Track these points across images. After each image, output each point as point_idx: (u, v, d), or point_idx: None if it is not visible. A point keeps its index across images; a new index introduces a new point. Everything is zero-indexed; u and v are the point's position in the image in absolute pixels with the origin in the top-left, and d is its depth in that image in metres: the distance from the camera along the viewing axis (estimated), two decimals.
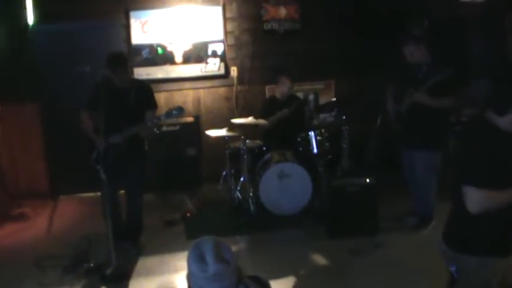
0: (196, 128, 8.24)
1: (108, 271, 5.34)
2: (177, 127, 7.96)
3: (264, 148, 7.31)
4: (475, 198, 3.04)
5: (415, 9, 8.15)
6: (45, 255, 5.91)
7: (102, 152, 5.42)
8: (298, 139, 7.13)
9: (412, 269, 5.29)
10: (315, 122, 7.75)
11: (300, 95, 8.44)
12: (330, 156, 7.14)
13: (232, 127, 7.25)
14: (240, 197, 7.13)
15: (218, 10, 8.31)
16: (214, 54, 8.35)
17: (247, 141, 7.08)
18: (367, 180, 6.20)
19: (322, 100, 8.63)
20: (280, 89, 7.52)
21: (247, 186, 7.05)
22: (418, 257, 5.53)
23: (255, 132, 7.69)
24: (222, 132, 7.13)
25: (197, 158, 8.26)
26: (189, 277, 2.50)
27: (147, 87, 6.05)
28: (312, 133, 7.05)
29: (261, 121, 7.08)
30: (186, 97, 8.49)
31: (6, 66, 7.70)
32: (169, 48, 8.23)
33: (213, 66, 8.38)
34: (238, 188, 7.21)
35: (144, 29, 8.14)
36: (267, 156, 7.13)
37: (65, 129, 7.94)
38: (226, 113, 8.50)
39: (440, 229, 6.08)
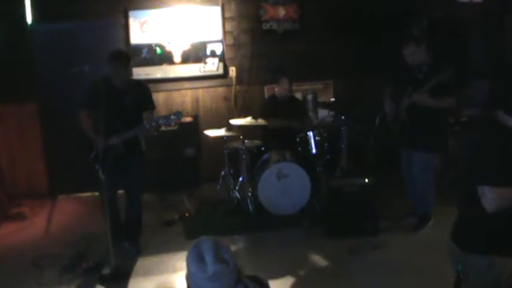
0: (195, 128, 8.25)
1: (107, 271, 5.35)
2: (176, 127, 7.95)
3: (263, 148, 7.30)
4: (491, 197, 3.05)
5: (414, 9, 8.15)
6: (44, 254, 5.89)
7: (101, 153, 5.42)
8: (297, 139, 7.13)
9: (411, 269, 5.29)
10: (314, 122, 7.76)
11: (299, 95, 8.45)
12: (328, 157, 7.14)
13: (230, 127, 7.25)
14: (239, 197, 7.14)
15: (217, 10, 8.31)
16: (213, 54, 8.35)
17: (246, 141, 7.08)
18: (366, 180, 6.21)
19: (321, 100, 8.63)
20: (279, 90, 7.51)
21: (245, 186, 7.05)
22: (417, 257, 5.53)
23: (254, 132, 7.68)
24: (221, 132, 7.13)
25: (196, 158, 8.27)
26: (188, 277, 2.50)
27: (145, 88, 6.06)
28: (310, 133, 7.05)
29: (260, 121, 7.08)
30: (184, 97, 8.49)
31: (5, 66, 7.69)
32: (168, 48, 8.23)
33: (212, 66, 8.38)
34: (237, 188, 7.21)
35: (143, 28, 8.14)
36: (266, 156, 7.13)
37: (64, 129, 7.92)
38: (225, 113, 8.49)
39: (440, 229, 6.11)
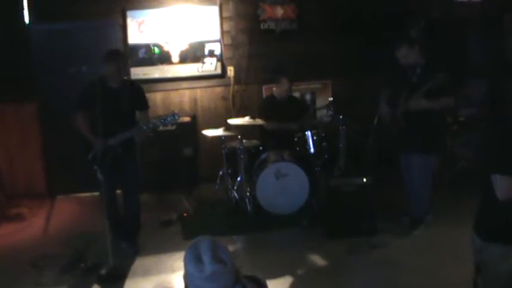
0: (193, 128, 8.24)
1: (105, 271, 5.35)
2: (174, 127, 7.93)
3: (261, 148, 7.30)
4: (502, 186, 3.13)
5: (412, 9, 8.16)
6: (42, 255, 5.89)
7: (99, 153, 5.43)
8: (295, 139, 7.13)
9: (410, 269, 5.29)
10: (312, 122, 7.76)
11: (297, 95, 8.45)
12: (326, 156, 7.14)
13: (229, 127, 7.25)
14: (237, 196, 7.13)
15: (215, 10, 8.30)
16: (211, 53, 8.35)
17: (244, 141, 7.09)
18: (364, 180, 6.21)
19: (319, 100, 8.64)
20: (279, 90, 7.50)
21: (244, 186, 7.05)
22: (415, 257, 5.54)
23: (252, 131, 7.68)
24: (219, 132, 7.14)
25: (194, 158, 8.27)
26: (186, 277, 2.50)
27: (138, 88, 6.08)
28: (308, 133, 7.05)
29: (258, 121, 7.08)
30: (182, 97, 8.48)
31: (4, 65, 7.69)
32: (165, 48, 8.23)
33: (210, 66, 8.38)
34: (235, 187, 7.20)
35: (141, 28, 8.13)
36: (264, 155, 7.12)
37: (63, 129, 7.90)
38: (223, 113, 8.49)
39: (437, 229, 6.12)
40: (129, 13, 8.10)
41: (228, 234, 6.37)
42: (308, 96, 8.71)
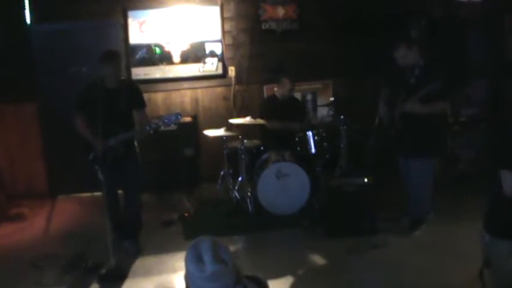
0: (194, 128, 8.24)
1: (106, 271, 5.35)
2: (175, 127, 7.94)
3: (262, 148, 7.31)
4: (509, 181, 3.17)
5: (412, 9, 8.15)
6: (43, 255, 5.89)
7: (99, 154, 5.45)
8: (296, 139, 7.13)
9: (410, 269, 5.29)
10: (313, 122, 7.76)
11: (298, 95, 8.45)
12: (327, 156, 7.14)
13: (230, 127, 7.25)
14: (238, 196, 7.13)
15: (216, 10, 8.31)
16: (212, 54, 8.35)
17: (245, 141, 7.09)
18: (365, 180, 6.20)
19: (320, 100, 8.64)
20: (280, 90, 7.50)
21: (245, 186, 7.05)
22: (416, 257, 5.54)
23: (253, 132, 7.69)
24: (220, 132, 7.14)
25: (195, 158, 8.27)
26: (187, 277, 2.50)
27: (135, 87, 6.14)
28: (309, 133, 7.05)
29: (259, 121, 7.08)
30: (183, 97, 8.49)
31: (5, 66, 7.70)
32: (167, 48, 8.23)
33: (211, 66, 8.38)
34: (236, 187, 7.21)
35: (142, 28, 8.14)
36: (265, 156, 7.13)
37: (63, 129, 7.90)
38: (224, 113, 8.50)
39: (437, 229, 6.13)
40: (130, 13, 8.10)
41: (229, 234, 6.37)
42: (309, 97, 8.71)
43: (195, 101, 8.53)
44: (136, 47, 8.15)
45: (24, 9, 7.84)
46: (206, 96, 8.56)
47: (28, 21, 7.89)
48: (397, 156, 6.39)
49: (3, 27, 7.80)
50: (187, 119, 8.13)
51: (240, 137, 6.99)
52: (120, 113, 5.75)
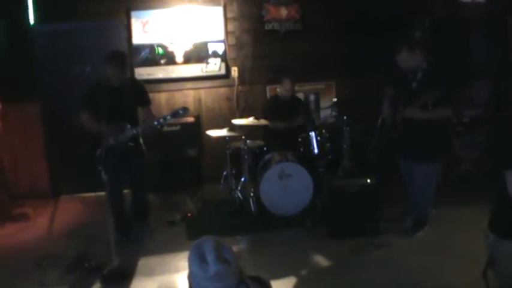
0: (197, 128, 8.25)
1: (109, 271, 5.36)
2: (178, 127, 7.96)
3: (265, 148, 7.31)
4: None
5: (416, 9, 8.15)
6: (46, 255, 5.90)
7: (103, 152, 5.49)
8: (299, 139, 7.13)
9: (413, 270, 5.29)
10: (316, 122, 7.76)
11: (301, 95, 8.45)
12: (330, 157, 7.15)
13: (233, 127, 7.26)
14: (241, 197, 7.13)
15: (219, 10, 8.31)
16: (215, 54, 8.36)
17: (248, 141, 7.09)
18: (368, 180, 6.20)
19: (323, 100, 8.64)
20: (281, 91, 7.52)
21: (248, 186, 7.06)
22: (419, 258, 5.53)
23: (256, 132, 7.69)
24: (223, 132, 7.13)
25: (198, 158, 8.27)
26: (190, 277, 2.51)
27: (140, 85, 6.35)
28: (312, 133, 7.05)
29: (262, 121, 7.09)
30: (186, 97, 8.49)
31: (8, 65, 7.71)
32: (170, 48, 8.24)
33: (214, 66, 8.39)
34: (239, 188, 7.20)
35: (145, 29, 8.15)
36: (268, 156, 7.13)
37: (66, 129, 7.95)
38: (227, 113, 8.51)
39: (440, 230, 6.12)
40: (133, 13, 8.12)
41: (231, 234, 6.36)
42: (312, 97, 8.71)
43: (198, 101, 8.53)
44: (140, 47, 8.16)
45: (27, 9, 7.84)
46: (209, 96, 8.57)
47: (31, 21, 7.90)
48: (398, 157, 6.38)
49: (6, 27, 7.82)
50: (190, 119, 8.13)
51: (243, 137, 6.98)
52: (126, 110, 5.93)
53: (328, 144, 7.09)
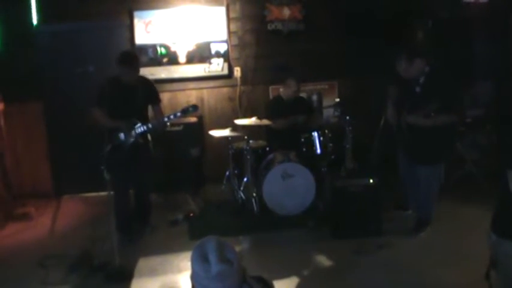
0: (199, 128, 8.24)
1: (112, 270, 5.37)
2: (181, 127, 7.95)
3: (267, 148, 7.31)
4: None
5: (418, 9, 8.14)
6: (49, 254, 5.92)
7: (110, 150, 5.55)
8: (302, 139, 7.13)
9: (415, 270, 5.29)
10: (319, 122, 7.76)
11: (304, 95, 8.44)
12: (333, 157, 7.15)
13: (235, 127, 7.26)
14: (243, 197, 7.13)
15: (222, 10, 8.31)
16: (217, 54, 8.36)
17: (251, 141, 7.09)
18: (371, 180, 6.20)
19: (326, 100, 8.64)
20: (286, 91, 7.51)
21: (250, 186, 7.06)
22: (421, 258, 5.54)
23: (259, 132, 7.69)
24: (226, 132, 7.14)
25: (200, 158, 8.26)
26: (193, 277, 2.51)
27: (151, 83, 6.48)
28: (315, 133, 7.06)
29: (265, 122, 7.08)
30: (189, 97, 8.49)
31: (11, 66, 7.72)
32: (172, 49, 8.24)
33: (217, 66, 8.39)
34: (242, 188, 7.20)
35: (148, 29, 8.15)
36: (270, 156, 7.13)
37: (69, 129, 7.98)
38: (229, 113, 8.50)
39: (443, 230, 6.12)
40: (136, 14, 8.12)
41: (234, 234, 6.36)
42: (315, 97, 8.70)
43: (201, 101, 8.53)
44: (142, 48, 8.16)
45: (30, 9, 7.85)
46: (212, 96, 8.56)
47: (34, 21, 7.90)
48: (399, 158, 6.39)
49: (9, 27, 7.82)
50: (193, 120, 8.12)
51: (245, 137, 6.99)
52: (136, 108, 6.08)
53: (330, 144, 7.10)
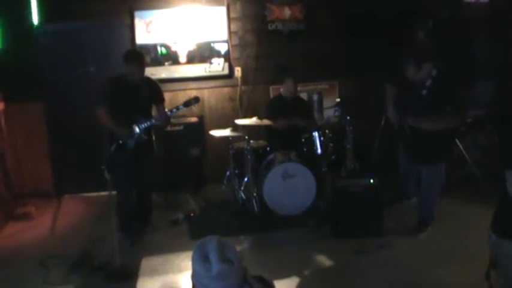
0: (200, 128, 8.24)
1: (112, 270, 5.37)
2: (181, 127, 7.96)
3: (268, 148, 7.31)
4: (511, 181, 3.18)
5: (419, 9, 8.13)
6: (50, 254, 5.92)
7: (108, 153, 5.55)
8: (302, 139, 7.13)
9: (416, 270, 5.29)
10: (319, 123, 7.76)
11: (304, 95, 8.45)
12: (333, 157, 7.15)
13: (236, 127, 7.26)
14: (244, 197, 7.13)
15: (222, 10, 8.31)
16: (218, 54, 8.35)
17: (251, 141, 7.09)
18: (371, 180, 6.20)
19: (326, 100, 8.64)
20: (284, 91, 7.53)
21: (251, 186, 7.06)
22: (422, 258, 5.54)
23: (259, 132, 7.69)
24: (226, 132, 7.14)
25: (201, 158, 8.27)
26: (193, 276, 2.51)
27: (155, 83, 6.49)
28: (315, 133, 7.06)
29: (265, 121, 7.08)
30: (190, 97, 8.46)
31: (11, 65, 7.71)
32: (173, 48, 8.24)
33: (217, 66, 8.39)
34: (242, 188, 7.20)
35: (149, 29, 8.15)
36: (271, 156, 7.13)
37: (69, 129, 7.98)
38: (230, 113, 8.50)
39: (444, 230, 6.12)
40: (136, 13, 8.11)
41: (234, 234, 6.37)
42: (315, 97, 8.70)
43: (201, 101, 8.49)
44: (143, 47, 8.14)
45: (30, 9, 7.84)
46: (212, 96, 8.56)
47: (35, 21, 7.90)
48: (400, 158, 6.39)
49: (10, 27, 7.82)
50: (193, 119, 8.13)
51: (246, 137, 6.99)
52: (141, 107, 6.13)
53: (331, 144, 7.10)
